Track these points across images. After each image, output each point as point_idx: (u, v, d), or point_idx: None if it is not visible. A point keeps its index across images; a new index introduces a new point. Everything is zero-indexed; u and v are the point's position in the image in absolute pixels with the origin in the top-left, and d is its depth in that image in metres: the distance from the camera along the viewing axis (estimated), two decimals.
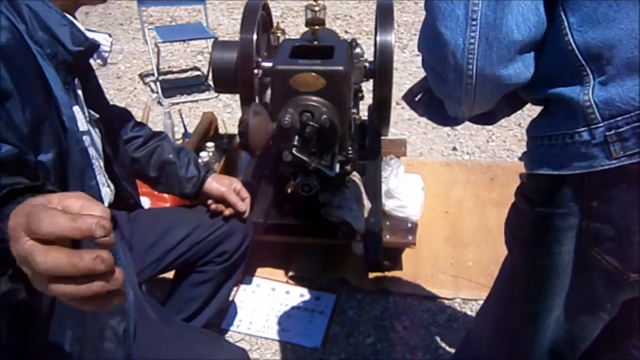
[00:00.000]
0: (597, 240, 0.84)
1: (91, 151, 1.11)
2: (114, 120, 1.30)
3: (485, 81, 0.79)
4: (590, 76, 0.76)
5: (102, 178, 1.18)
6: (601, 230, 0.83)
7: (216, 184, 1.46)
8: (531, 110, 0.98)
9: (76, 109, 1.06)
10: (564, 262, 0.90)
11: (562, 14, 0.76)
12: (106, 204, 1.20)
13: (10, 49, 0.89)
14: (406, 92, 1.09)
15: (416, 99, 1.07)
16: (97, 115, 1.13)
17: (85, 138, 1.08)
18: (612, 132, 0.76)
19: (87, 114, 1.12)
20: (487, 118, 1.00)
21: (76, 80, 1.08)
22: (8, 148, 0.86)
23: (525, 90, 0.86)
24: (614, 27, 0.73)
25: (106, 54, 1.14)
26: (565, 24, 0.76)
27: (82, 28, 1.03)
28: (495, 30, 0.75)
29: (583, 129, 0.78)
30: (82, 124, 1.08)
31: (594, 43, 0.75)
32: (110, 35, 1.17)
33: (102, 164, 1.18)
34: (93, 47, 1.06)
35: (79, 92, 1.10)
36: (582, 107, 0.77)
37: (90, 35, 1.05)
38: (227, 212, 1.46)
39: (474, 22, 0.75)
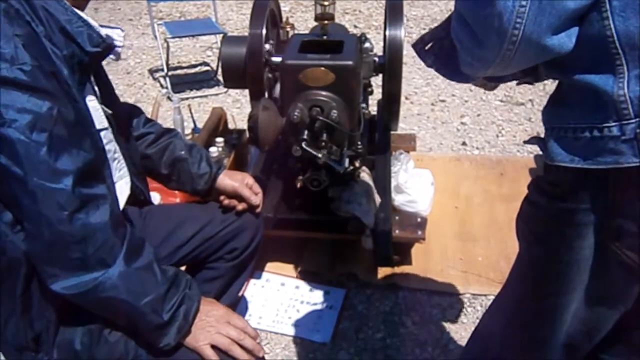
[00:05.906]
0: (618, 235, 0.83)
1: (112, 147, 1.12)
2: (124, 117, 1.31)
3: (528, 48, 0.74)
4: (625, 67, 0.73)
5: (125, 172, 1.18)
6: (623, 225, 0.81)
7: (229, 179, 1.46)
8: (541, 105, 0.97)
9: (95, 105, 1.06)
10: (584, 256, 0.88)
11: None
12: (124, 198, 1.20)
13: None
14: (416, 40, 1.03)
15: (426, 47, 1.01)
16: (110, 112, 1.14)
17: (104, 134, 1.09)
18: None
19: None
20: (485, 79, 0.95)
21: (92, 78, 1.08)
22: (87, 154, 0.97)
23: (550, 67, 0.82)
24: None
25: (119, 49, 1.14)
26: (607, 6, 0.71)
27: (96, 25, 1.04)
28: None
29: (614, 123, 0.75)
30: (101, 122, 1.08)
31: (635, 32, 0.71)
32: (122, 30, 1.18)
33: (122, 157, 1.19)
34: (110, 47, 1.06)
35: (96, 88, 1.11)
36: (614, 101, 0.74)
37: (103, 31, 1.06)
38: (240, 206, 1.45)
39: None
